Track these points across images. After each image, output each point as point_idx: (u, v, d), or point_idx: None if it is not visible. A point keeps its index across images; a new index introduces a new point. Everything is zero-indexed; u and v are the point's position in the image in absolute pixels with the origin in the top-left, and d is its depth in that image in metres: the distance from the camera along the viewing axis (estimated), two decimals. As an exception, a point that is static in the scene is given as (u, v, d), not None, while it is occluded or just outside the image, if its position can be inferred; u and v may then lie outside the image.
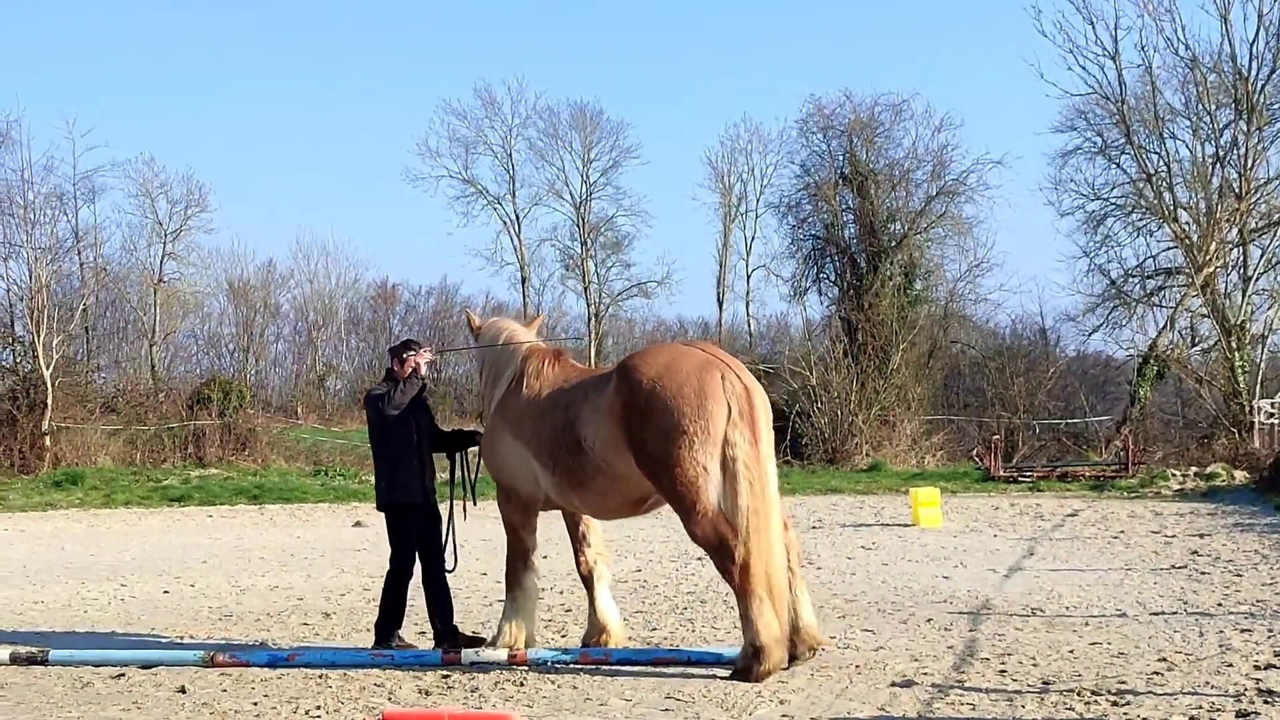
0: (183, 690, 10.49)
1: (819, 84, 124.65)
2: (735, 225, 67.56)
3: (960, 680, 10.13)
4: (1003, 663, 10.81)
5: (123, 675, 11.16)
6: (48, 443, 40.22)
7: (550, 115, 64.15)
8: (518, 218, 63.40)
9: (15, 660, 11.74)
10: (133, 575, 18.86)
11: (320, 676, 10.90)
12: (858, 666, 10.74)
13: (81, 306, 49.06)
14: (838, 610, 13.88)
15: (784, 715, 9.12)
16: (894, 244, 50.94)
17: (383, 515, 12.57)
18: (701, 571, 17.56)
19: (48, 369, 41.19)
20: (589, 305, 63.12)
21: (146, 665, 11.55)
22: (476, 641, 11.91)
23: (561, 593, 15.79)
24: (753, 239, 67.48)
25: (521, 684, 10.39)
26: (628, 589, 16.01)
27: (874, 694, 9.69)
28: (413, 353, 12.44)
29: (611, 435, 10.65)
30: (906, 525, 23.79)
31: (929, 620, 13.09)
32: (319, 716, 9.54)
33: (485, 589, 16.20)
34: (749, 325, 69.02)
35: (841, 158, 53.55)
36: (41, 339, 41.81)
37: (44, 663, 11.69)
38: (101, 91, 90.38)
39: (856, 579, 16.49)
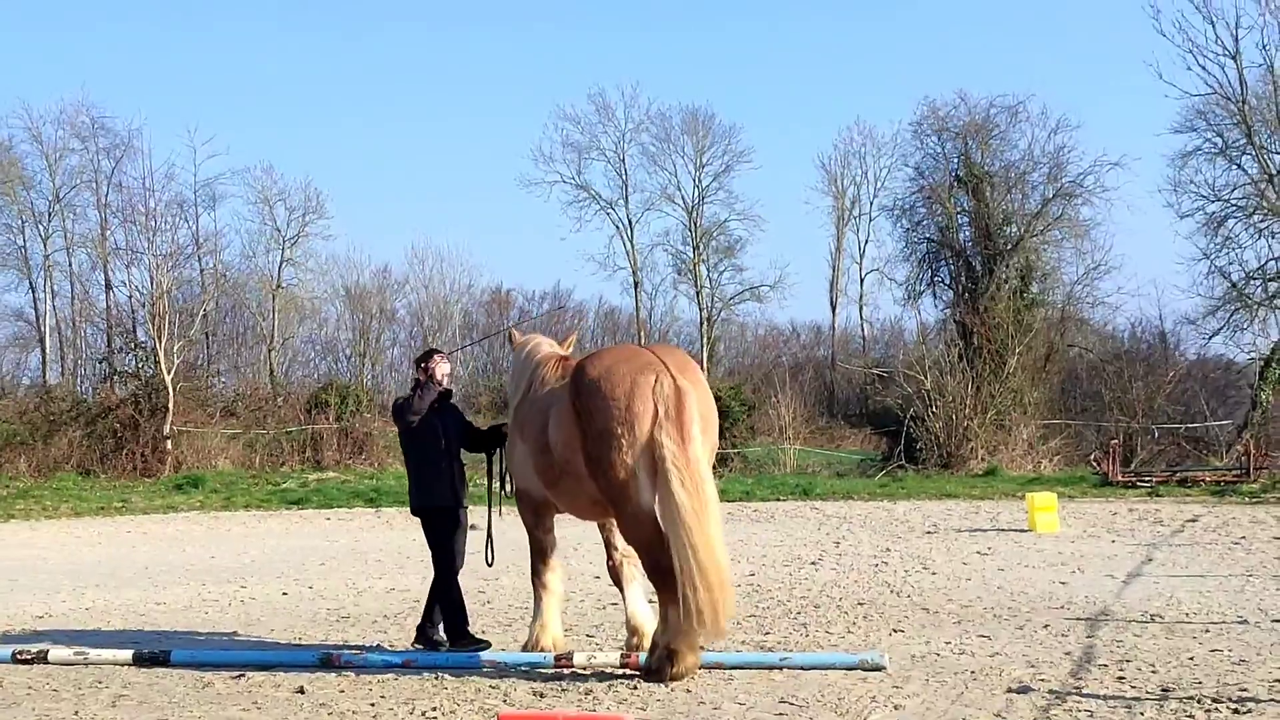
0: (301, 691, 10.61)
1: (933, 86, 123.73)
2: (848, 228, 67.50)
3: (1078, 687, 10.03)
4: (1121, 669, 10.69)
5: (242, 676, 11.31)
6: (169, 446, 40.88)
7: (663, 120, 64.27)
8: (630, 222, 63.56)
9: (138, 660, 11.94)
10: (252, 577, 19.12)
11: (436, 678, 10.99)
12: (973, 672, 10.66)
13: (202, 312, 49.85)
14: (953, 616, 13.79)
15: (899, 720, 9.08)
16: (1010, 247, 50.50)
17: (418, 520, 12.84)
18: (815, 576, 17.52)
19: (169, 374, 41.85)
20: (701, 309, 63.09)
21: (265, 666, 11.70)
22: (442, 646, 12.26)
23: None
24: (866, 242, 67.38)
25: (635, 687, 10.40)
26: (741, 593, 15.97)
27: (990, 700, 9.62)
28: (432, 360, 12.84)
29: (568, 434, 10.90)
30: (1023, 530, 23.55)
31: (1046, 626, 12.95)
32: (435, 718, 9.61)
33: (599, 591, 16.25)
34: (862, 329, 68.86)
35: (956, 160, 53.24)
36: (163, 344, 42.50)
37: (166, 663, 11.87)
38: (222, 100, 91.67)
39: (972, 584, 16.36)
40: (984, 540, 22.06)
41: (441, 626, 12.43)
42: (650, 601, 11.51)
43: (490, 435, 13.00)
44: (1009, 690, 9.94)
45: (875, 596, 15.46)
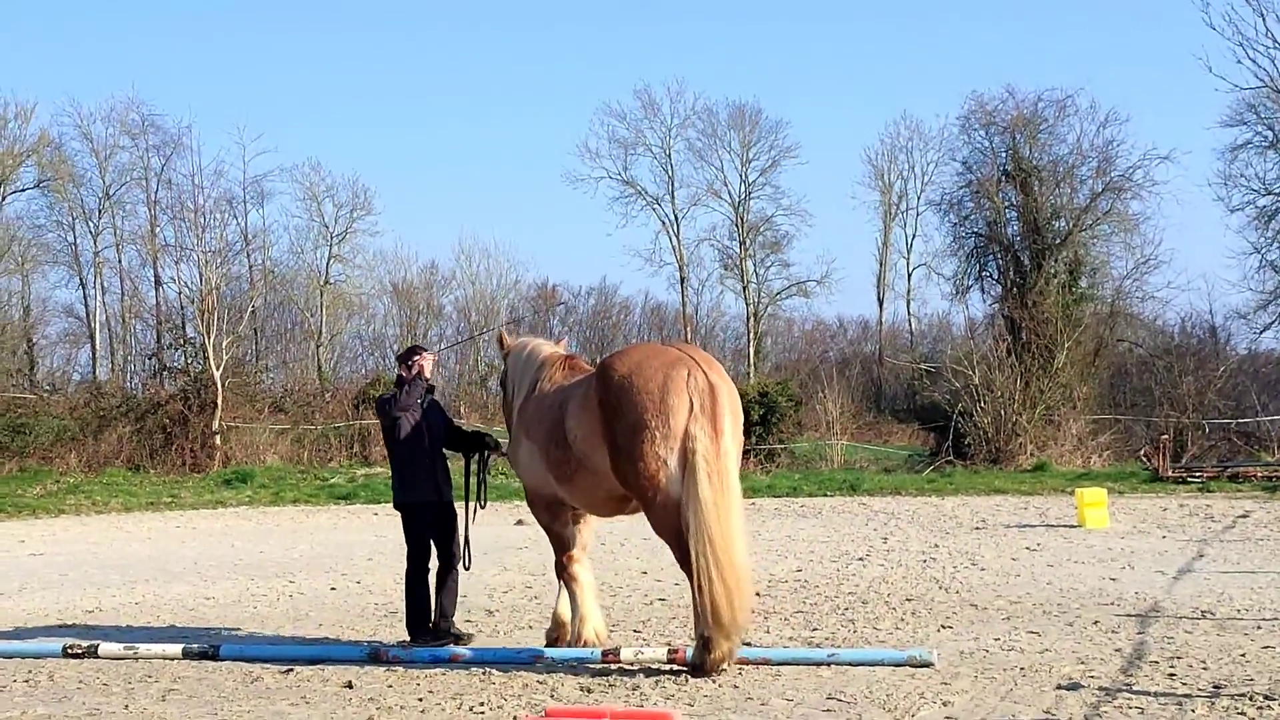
0: (350, 685, 10.65)
1: (980, 80, 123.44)
2: (895, 223, 67.27)
3: (1128, 684, 9.95)
4: (1172, 666, 10.60)
5: (291, 670, 11.36)
6: (218, 442, 41.13)
7: (709, 115, 64.24)
8: (676, 218, 63.53)
9: (188, 655, 12.03)
10: (300, 572, 19.19)
11: (484, 673, 11.00)
12: (1023, 669, 10.59)
13: (250, 308, 50.15)
14: (1002, 612, 13.72)
15: (947, 717, 9.02)
16: (1058, 241, 50.28)
17: (399, 515, 12.99)
18: (863, 572, 17.47)
19: (218, 369, 42.11)
20: (747, 305, 63.00)
21: (314, 660, 11.76)
22: (466, 638, 12.45)
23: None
24: (913, 237, 67.15)
25: (683, 683, 10.38)
26: (788, 589, 15.96)
27: (1039, 697, 9.55)
28: (418, 357, 12.93)
29: (590, 430, 10.98)
30: (1072, 526, 23.41)
31: (1095, 623, 12.87)
32: (482, 713, 9.61)
33: (645, 587, 16.26)
34: (910, 324, 68.64)
35: (1004, 154, 53.02)
36: (212, 340, 42.78)
37: (215, 657, 11.96)
38: (271, 98, 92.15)
39: (1021, 580, 16.27)
40: (1033, 536, 21.94)
41: (443, 615, 12.58)
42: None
43: (472, 438, 13.21)
44: (1058, 687, 9.88)
45: (923, 592, 15.40)
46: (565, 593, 12.06)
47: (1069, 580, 16.12)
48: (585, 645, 11.63)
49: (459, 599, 12.97)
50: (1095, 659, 10.99)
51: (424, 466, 12.59)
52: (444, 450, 12.90)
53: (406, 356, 13.05)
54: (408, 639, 12.50)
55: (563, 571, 12.06)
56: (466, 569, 12.93)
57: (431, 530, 12.63)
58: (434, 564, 12.70)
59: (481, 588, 16.57)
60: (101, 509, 33.93)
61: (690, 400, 10.51)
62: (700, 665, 10.54)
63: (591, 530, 12.47)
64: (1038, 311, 45.86)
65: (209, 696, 10.47)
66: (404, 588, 12.81)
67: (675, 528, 10.55)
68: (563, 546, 12.09)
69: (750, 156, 63.44)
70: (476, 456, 13.07)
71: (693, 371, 10.65)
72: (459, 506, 12.78)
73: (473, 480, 12.94)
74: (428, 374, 12.86)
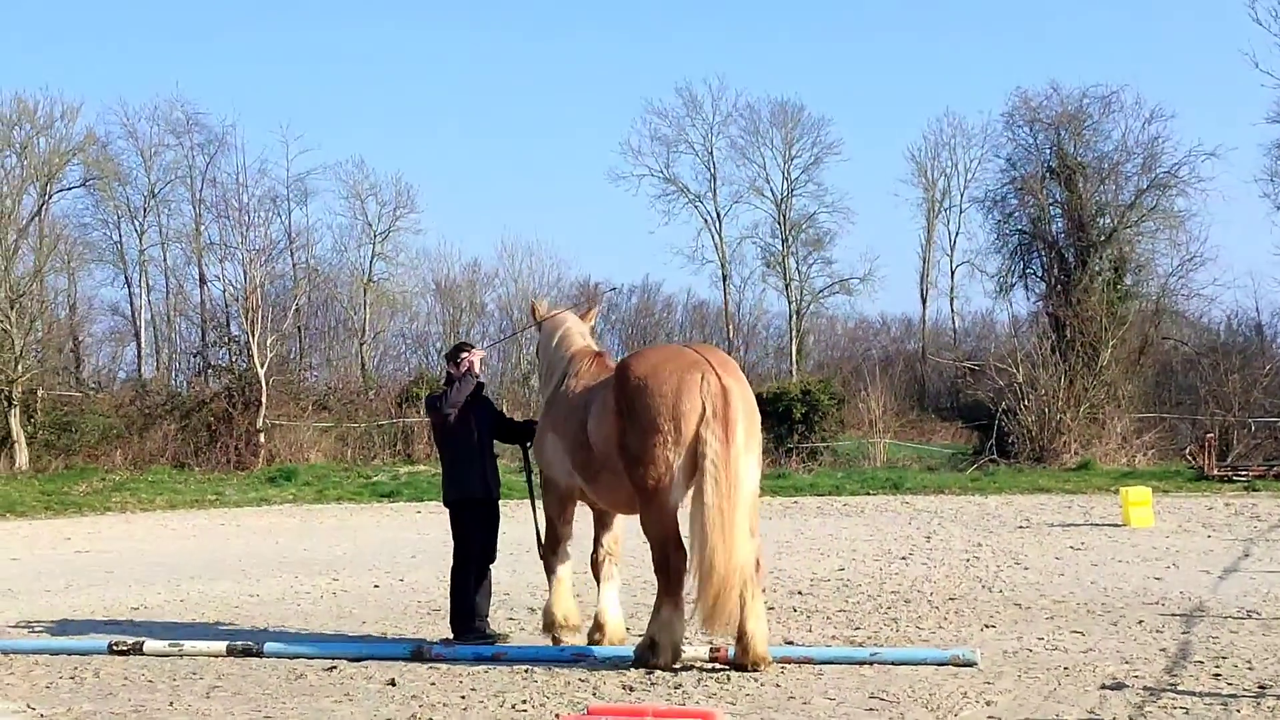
0: (393, 683, 10.67)
1: (1024, 76, 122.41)
2: (939, 220, 66.94)
3: (1173, 684, 9.89)
4: (1217, 666, 10.54)
5: (335, 667, 11.41)
6: (262, 440, 41.32)
7: (751, 113, 64.04)
8: (719, 215, 63.37)
9: (232, 652, 12.10)
10: (344, 570, 19.28)
11: (526, 671, 11.02)
12: (1066, 668, 10.55)
13: (294, 306, 50.32)
14: (1046, 611, 13.67)
15: (990, 716, 8.99)
16: (1103, 238, 49.99)
17: (447, 512, 13.04)
18: (906, 571, 17.43)
19: (262, 367, 42.35)
20: (790, 303, 62.80)
21: (357, 658, 11.80)
22: (500, 637, 12.59)
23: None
24: (957, 234, 66.75)
25: (725, 681, 10.39)
26: (831, 588, 15.95)
27: (1083, 696, 9.51)
28: (466, 354, 12.93)
29: (610, 431, 11.06)
30: (1117, 525, 23.32)
31: (1140, 622, 12.81)
32: (525, 710, 9.62)
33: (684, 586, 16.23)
34: (953, 321, 68.26)
35: (1048, 151, 52.71)
36: (256, 338, 42.99)
37: (259, 654, 12.02)
38: (314, 97, 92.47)
39: (1065, 579, 16.21)
40: (1077, 535, 21.86)
41: (487, 619, 12.71)
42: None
43: (524, 428, 13.26)
44: (1103, 686, 9.83)
45: (966, 591, 15.36)
46: (605, 593, 12.12)
47: (1113, 579, 16.06)
48: (549, 629, 12.06)
49: (497, 597, 13.00)
50: (1140, 659, 10.94)
51: (473, 464, 12.63)
52: (495, 444, 12.95)
53: (455, 354, 13.07)
54: (451, 636, 12.52)
55: (547, 564, 12.33)
56: (542, 557, 12.85)
57: (479, 528, 12.65)
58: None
59: (525, 586, 16.60)
60: (147, 506, 34.19)
61: (703, 404, 10.56)
62: (641, 660, 10.88)
63: (620, 529, 12.49)
64: (1082, 309, 45.65)
65: (253, 693, 10.52)
66: (449, 585, 12.84)
67: (664, 535, 10.72)
68: (556, 542, 12.28)
69: (793, 154, 63.24)
70: (530, 446, 13.08)
71: (706, 375, 10.69)
72: (513, 501, 12.81)
73: (534, 475, 12.96)
74: (477, 370, 12.88)
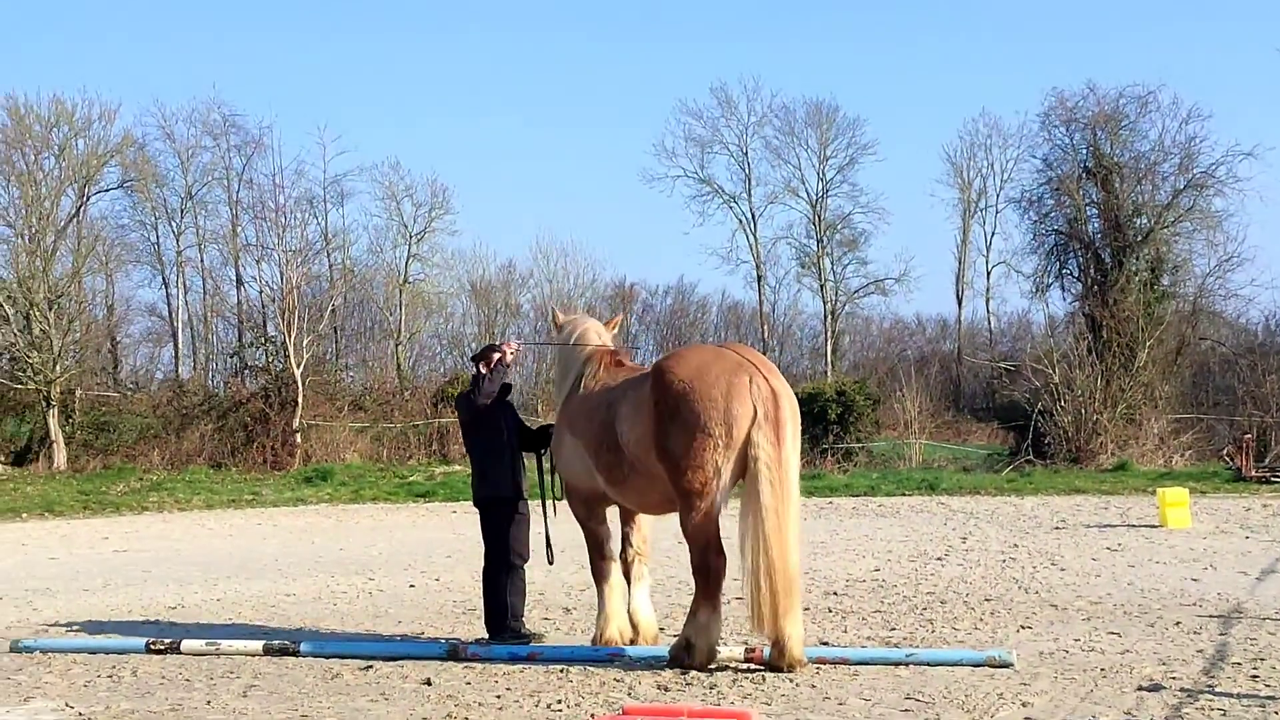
0: (428, 682, 10.70)
1: (1060, 76, 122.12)
2: (974, 221, 66.84)
3: (1210, 685, 9.85)
4: (1255, 668, 10.49)
5: (370, 667, 11.45)
6: (298, 440, 41.48)
7: (786, 113, 64.06)
8: (753, 216, 63.42)
9: (269, 651, 12.15)
10: (380, 569, 19.34)
11: (561, 671, 11.03)
12: (1103, 670, 10.52)
13: (330, 307, 50.47)
14: (1082, 612, 13.62)
15: (1027, 718, 8.97)
16: (1140, 239, 49.81)
17: (478, 511, 13.06)
18: (941, 571, 17.40)
19: (298, 368, 42.50)
20: (825, 303, 62.75)
21: (393, 657, 11.84)
22: (535, 637, 12.61)
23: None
24: (993, 235, 66.68)
25: (760, 681, 10.38)
26: (866, 589, 15.92)
27: (1120, 698, 9.48)
28: (497, 352, 12.94)
29: (645, 433, 10.98)
30: (1154, 526, 23.22)
31: (1177, 623, 12.76)
32: (560, 710, 9.63)
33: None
34: (989, 322, 68.16)
35: (1085, 151, 52.57)
36: (292, 338, 43.16)
37: (295, 654, 12.07)
38: (350, 98, 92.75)
39: (1102, 580, 16.15)
40: (1114, 536, 21.77)
41: (522, 618, 12.72)
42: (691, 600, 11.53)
43: (539, 435, 13.23)
44: (1140, 688, 9.79)
45: (1002, 592, 15.31)
46: (636, 594, 12.13)
47: (1150, 581, 15.99)
48: (606, 644, 11.77)
49: (532, 596, 13.02)
50: (1177, 660, 10.89)
51: (503, 462, 12.68)
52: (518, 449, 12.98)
53: (485, 354, 13.06)
54: (486, 636, 12.55)
55: (594, 570, 12.22)
56: (550, 564, 13.04)
57: (510, 527, 12.68)
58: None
59: (560, 586, 16.63)
60: (184, 506, 34.34)
61: (754, 408, 10.53)
62: (676, 660, 10.84)
63: (649, 528, 12.52)
64: (1119, 309, 45.51)
65: (289, 692, 10.57)
66: (482, 585, 12.87)
67: (707, 537, 10.65)
68: (597, 545, 12.21)
69: (828, 154, 63.23)
70: (546, 452, 13.11)
71: (754, 378, 10.67)
72: (534, 504, 12.85)
73: (546, 478, 13.00)
74: (508, 362, 12.89)
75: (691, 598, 11.11)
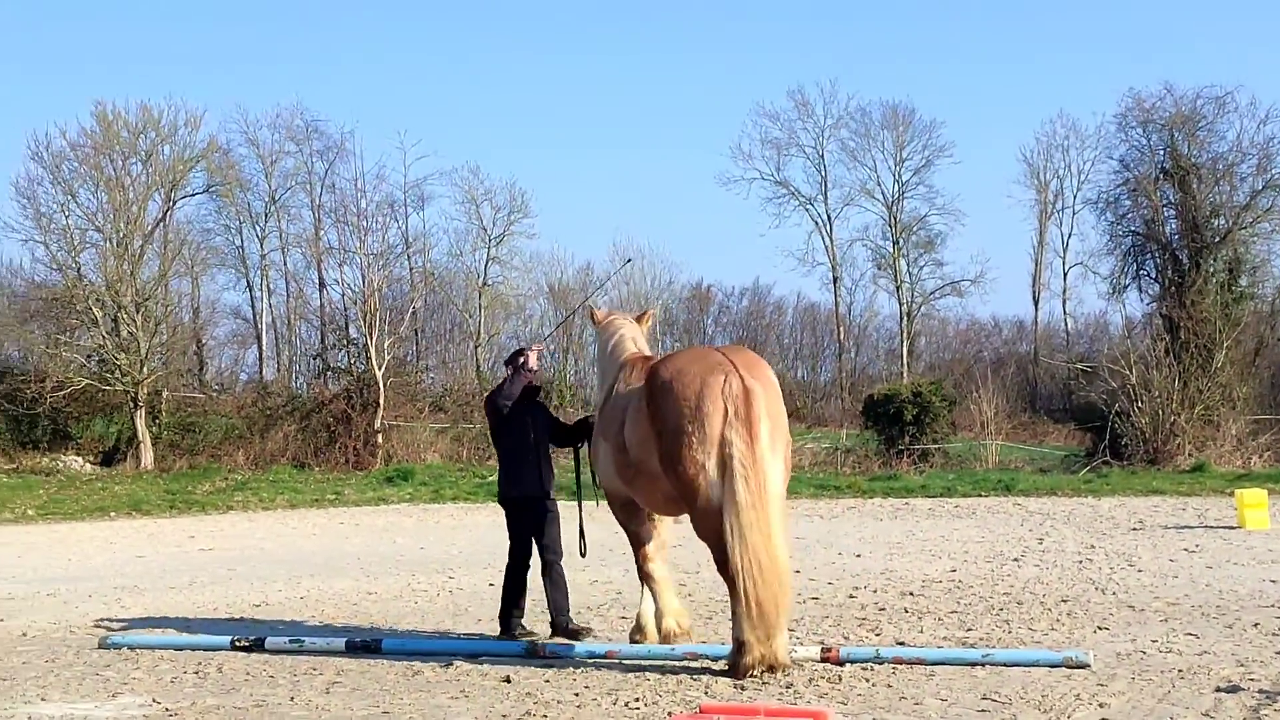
0: (508, 680, 10.83)
1: (1137, 78, 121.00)
2: (1051, 222, 66.65)
3: (1288, 687, 9.87)
4: (1333, 670, 10.49)
5: (451, 664, 11.59)
6: (380, 440, 41.85)
7: (862, 115, 64.08)
8: (829, 218, 63.41)
9: (351, 648, 12.32)
10: (460, 568, 19.53)
11: (639, 670, 11.16)
12: (1181, 671, 10.53)
13: (411, 309, 50.89)
14: (1160, 613, 13.61)
15: (1104, 719, 9.02)
16: (1218, 239, 49.41)
17: (503, 510, 13.23)
18: (1018, 572, 17.40)
19: (380, 369, 42.87)
20: (901, 304, 62.66)
21: (473, 655, 11.99)
22: (584, 633, 12.68)
23: (875, 590, 15.85)
24: (1070, 236, 66.41)
25: (836, 681, 10.46)
26: (943, 589, 15.96)
27: (1198, 699, 9.50)
28: (523, 356, 13.15)
29: (642, 434, 11.18)
30: (1232, 527, 23.08)
31: (1255, 625, 12.72)
32: (638, 709, 9.72)
33: (798, 585, 16.29)
34: (1066, 323, 67.81)
35: (1162, 152, 52.17)
36: (374, 341, 43.55)
37: (377, 651, 12.24)
38: (431, 103, 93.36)
39: (1179, 581, 16.11)
40: (1191, 537, 21.67)
41: (556, 610, 12.83)
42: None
43: (576, 429, 13.41)
44: (1217, 689, 9.79)
45: (1079, 593, 15.31)
46: (648, 595, 12.26)
47: (1228, 582, 15.94)
48: (666, 638, 11.86)
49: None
50: (1255, 661, 10.88)
51: (530, 462, 12.83)
52: (550, 446, 13.15)
53: (514, 358, 13.28)
54: (550, 634, 12.69)
55: (641, 570, 12.33)
56: (582, 556, 13.16)
57: (534, 526, 12.86)
58: (535, 561, 13.00)
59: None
60: (268, 505, 34.75)
61: (725, 406, 10.63)
62: (735, 668, 10.62)
63: (668, 529, 12.65)
64: (1196, 310, 45.16)
65: (371, 689, 10.72)
66: (503, 581, 13.07)
67: (715, 531, 10.67)
68: (640, 545, 12.31)
69: (904, 156, 63.17)
70: (584, 444, 13.27)
71: (729, 377, 10.76)
72: (563, 503, 13.02)
73: (584, 473, 13.18)
74: (533, 364, 13.11)
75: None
